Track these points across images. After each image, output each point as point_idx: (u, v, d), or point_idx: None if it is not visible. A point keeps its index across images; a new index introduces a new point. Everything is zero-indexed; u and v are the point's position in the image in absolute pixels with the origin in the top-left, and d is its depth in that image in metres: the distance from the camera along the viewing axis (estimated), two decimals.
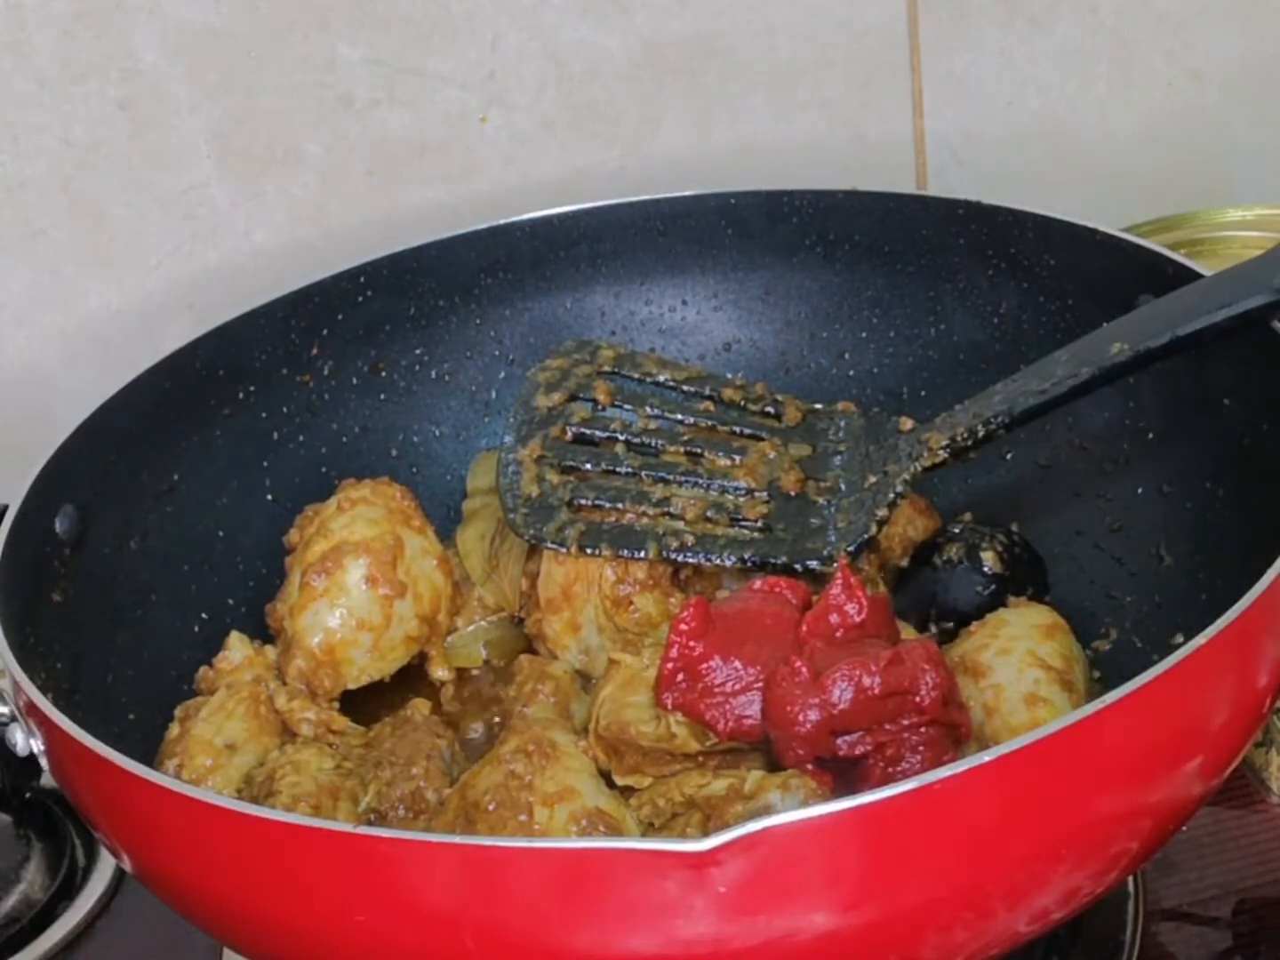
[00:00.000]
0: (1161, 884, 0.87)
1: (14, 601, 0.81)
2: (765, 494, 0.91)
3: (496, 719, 0.91)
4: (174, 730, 0.87)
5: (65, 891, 0.94)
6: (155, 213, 1.12)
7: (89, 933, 0.93)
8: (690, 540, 0.89)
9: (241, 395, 1.00)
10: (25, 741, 0.76)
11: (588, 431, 0.96)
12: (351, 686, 0.91)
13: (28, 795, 0.99)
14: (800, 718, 0.75)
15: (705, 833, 0.66)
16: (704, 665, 0.79)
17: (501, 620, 0.97)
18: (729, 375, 1.03)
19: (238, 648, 0.91)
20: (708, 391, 0.97)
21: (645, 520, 0.90)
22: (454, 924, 0.64)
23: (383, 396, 1.05)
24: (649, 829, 0.80)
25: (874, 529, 0.88)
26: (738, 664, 0.79)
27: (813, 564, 0.86)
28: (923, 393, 1.02)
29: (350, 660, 0.90)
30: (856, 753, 0.76)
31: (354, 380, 1.04)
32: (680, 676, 0.79)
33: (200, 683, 0.91)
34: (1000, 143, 1.24)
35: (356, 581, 0.90)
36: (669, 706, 0.79)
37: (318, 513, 0.93)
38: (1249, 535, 0.82)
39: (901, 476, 0.88)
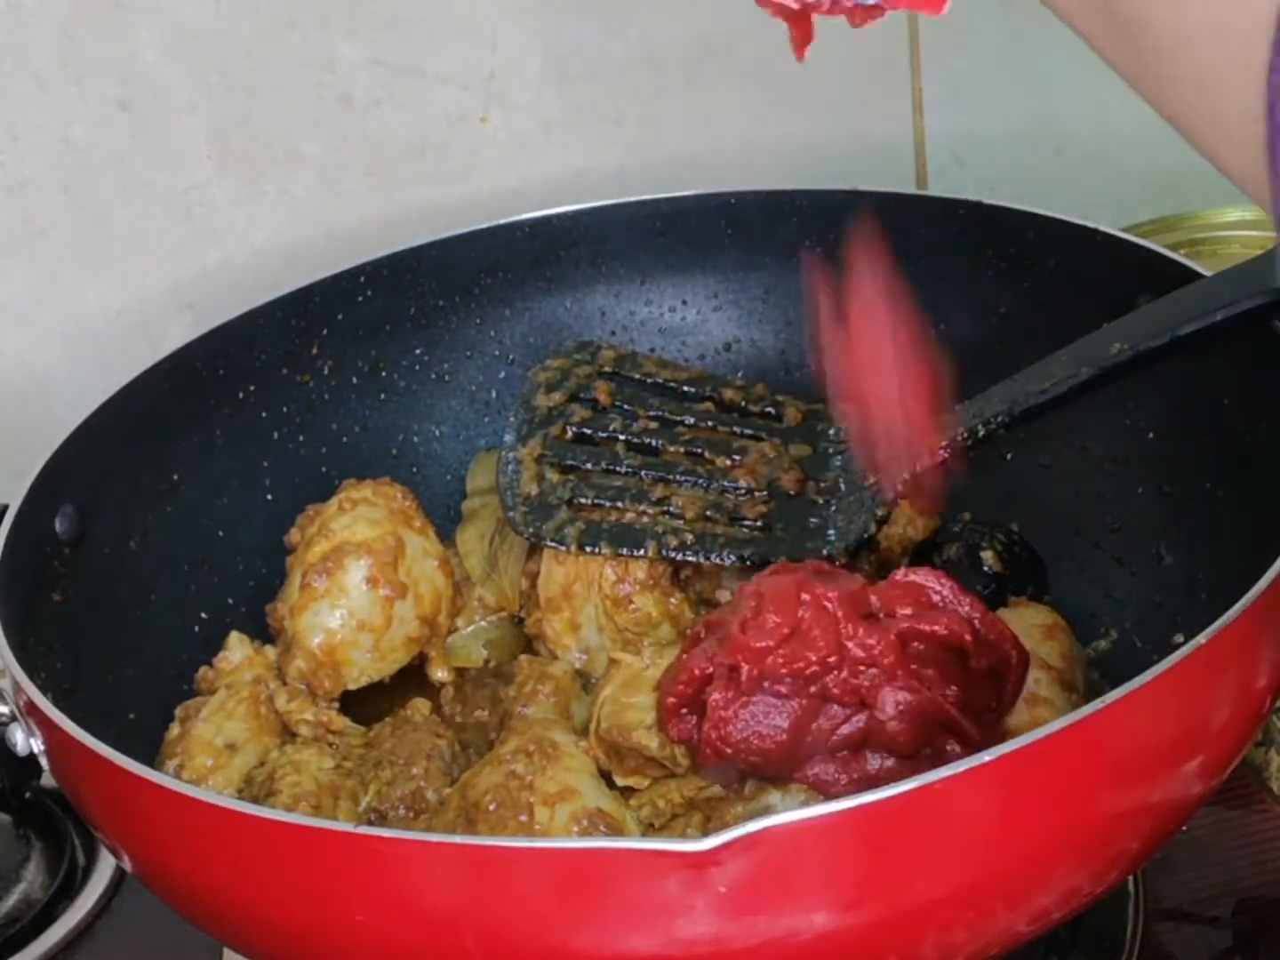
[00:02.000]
0: (1161, 884, 0.87)
1: (14, 601, 0.81)
2: (765, 493, 0.91)
3: (492, 714, 0.92)
4: (174, 730, 0.87)
5: (65, 891, 0.94)
6: (155, 213, 1.12)
7: (89, 933, 0.93)
8: (689, 539, 0.89)
9: (241, 395, 1.00)
10: (25, 741, 0.76)
11: (588, 431, 0.96)
12: (351, 687, 0.91)
13: (28, 795, 0.99)
14: (835, 791, 0.75)
15: (705, 833, 0.66)
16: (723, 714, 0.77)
17: (501, 620, 0.97)
18: (729, 375, 1.04)
19: (238, 648, 0.91)
20: (708, 392, 0.98)
21: (645, 519, 0.90)
22: (454, 924, 0.64)
23: (383, 396, 1.05)
24: (649, 829, 0.80)
25: (873, 528, 0.88)
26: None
27: None
28: None
29: (350, 661, 0.90)
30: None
31: (354, 380, 1.04)
32: (685, 711, 0.78)
33: (200, 683, 0.91)
34: (1000, 143, 1.24)
35: (357, 582, 0.90)
36: (674, 738, 0.79)
37: (319, 513, 0.93)
38: (1249, 535, 0.82)
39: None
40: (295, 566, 0.92)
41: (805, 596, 0.76)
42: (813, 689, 0.75)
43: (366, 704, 0.92)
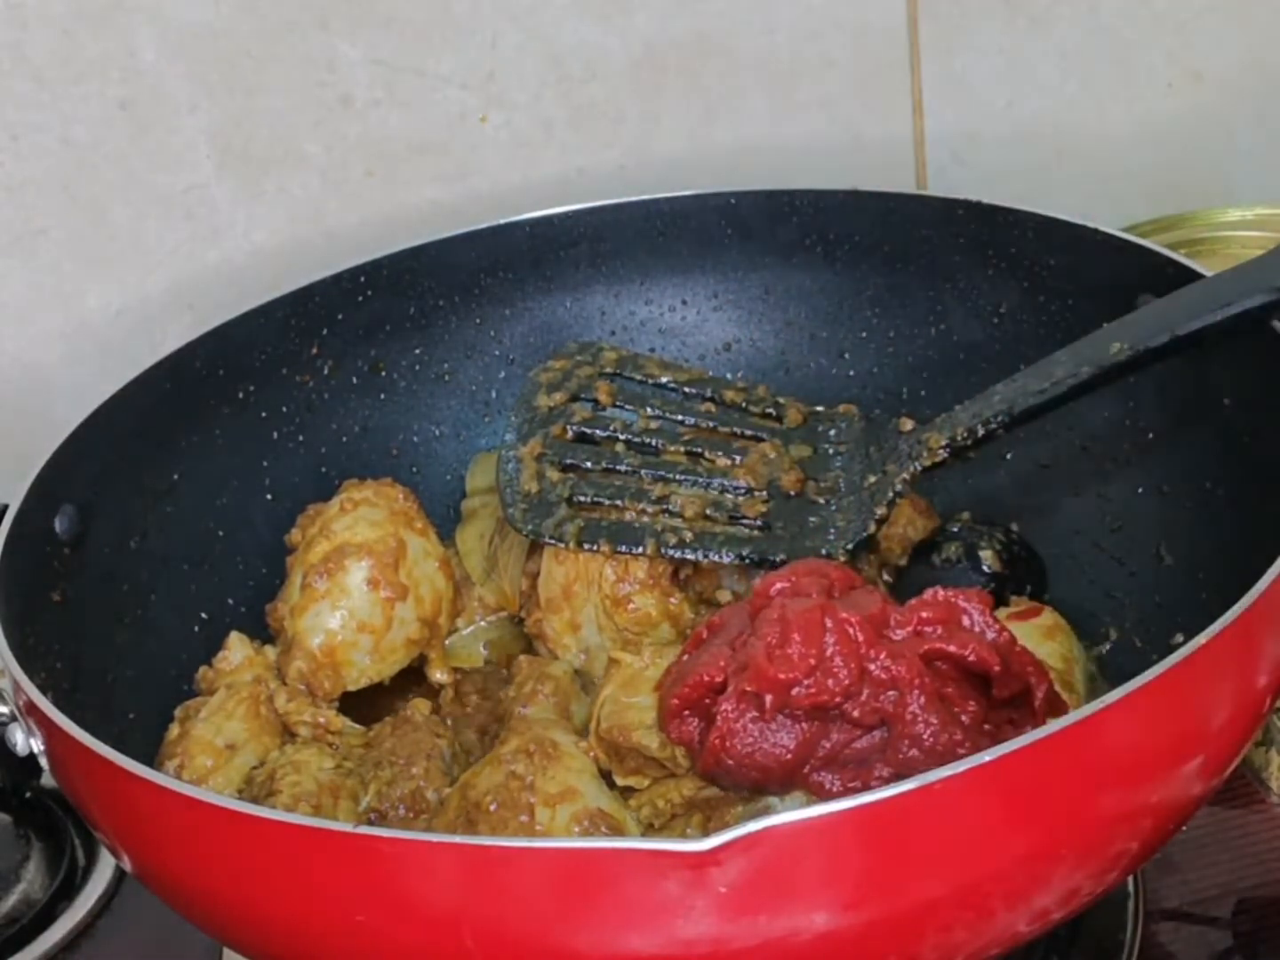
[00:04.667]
0: (1161, 884, 0.87)
1: (14, 601, 0.81)
2: (765, 493, 0.91)
3: (492, 714, 0.92)
4: (174, 730, 0.87)
5: (65, 891, 0.94)
6: (155, 213, 1.12)
7: (89, 933, 0.93)
8: (689, 537, 0.89)
9: (241, 395, 1.00)
10: (25, 741, 0.76)
11: (588, 430, 0.96)
12: (351, 688, 0.91)
13: (28, 795, 0.99)
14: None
15: (705, 833, 0.66)
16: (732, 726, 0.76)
17: (501, 620, 0.97)
18: (729, 376, 1.04)
19: (238, 648, 0.91)
20: (709, 393, 0.98)
21: (644, 518, 0.90)
22: (454, 924, 0.64)
23: (383, 396, 1.05)
24: (649, 829, 0.80)
25: (872, 527, 0.88)
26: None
27: None
28: (923, 393, 1.02)
29: (350, 662, 0.90)
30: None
31: (354, 380, 1.04)
32: (687, 713, 0.78)
33: (200, 683, 0.91)
34: (1000, 143, 1.24)
35: (358, 583, 0.90)
36: (674, 739, 0.79)
37: (320, 513, 0.93)
38: (1249, 535, 0.82)
39: (901, 476, 0.89)
40: (296, 567, 0.92)
41: (828, 622, 0.75)
42: (830, 713, 0.75)
43: (366, 704, 0.92)
